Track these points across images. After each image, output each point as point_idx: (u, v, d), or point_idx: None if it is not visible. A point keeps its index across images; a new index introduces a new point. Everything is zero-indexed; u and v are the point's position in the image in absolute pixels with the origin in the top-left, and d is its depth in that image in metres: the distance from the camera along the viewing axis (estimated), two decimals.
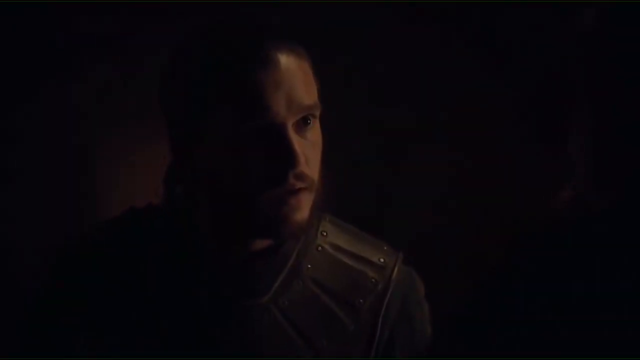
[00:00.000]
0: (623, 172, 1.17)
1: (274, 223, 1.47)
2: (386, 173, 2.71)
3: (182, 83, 1.49)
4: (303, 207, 1.47)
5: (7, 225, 2.59)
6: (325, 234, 1.60)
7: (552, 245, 1.16)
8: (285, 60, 1.45)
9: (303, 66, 1.48)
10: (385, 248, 1.61)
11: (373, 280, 1.58)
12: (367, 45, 2.66)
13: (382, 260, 1.59)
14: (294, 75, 1.46)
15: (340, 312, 1.55)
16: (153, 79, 1.56)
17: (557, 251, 1.15)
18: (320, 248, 1.58)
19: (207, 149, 1.48)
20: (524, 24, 2.61)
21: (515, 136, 2.62)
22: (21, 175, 2.60)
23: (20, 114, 2.59)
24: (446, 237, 2.67)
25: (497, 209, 2.62)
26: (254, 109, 1.44)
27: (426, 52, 2.66)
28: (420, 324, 1.59)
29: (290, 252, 1.56)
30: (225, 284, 1.53)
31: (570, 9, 1.24)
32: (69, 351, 1.53)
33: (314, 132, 1.49)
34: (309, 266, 1.56)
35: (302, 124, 1.47)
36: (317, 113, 1.49)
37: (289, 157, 1.43)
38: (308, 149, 1.47)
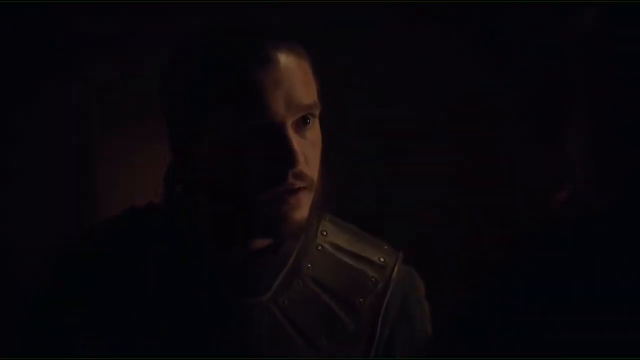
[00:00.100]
0: (623, 172, 1.17)
1: (274, 222, 1.47)
2: (386, 173, 2.72)
3: (182, 83, 1.49)
4: (302, 207, 1.47)
5: (7, 225, 2.59)
6: (325, 233, 1.60)
7: (552, 245, 1.16)
8: (285, 60, 1.46)
9: (303, 66, 1.48)
10: (385, 247, 1.61)
11: (373, 279, 1.58)
12: (367, 45, 2.66)
13: (382, 259, 1.59)
14: (294, 75, 1.46)
15: (340, 311, 1.55)
16: (153, 79, 1.56)
17: (557, 251, 1.15)
18: (320, 247, 1.58)
19: (207, 149, 1.48)
20: (524, 24, 2.61)
21: (515, 136, 2.62)
22: (21, 175, 2.60)
23: (20, 114, 2.59)
24: (446, 237, 2.67)
25: (497, 209, 2.62)
26: (253, 109, 1.44)
27: (426, 52, 2.66)
28: (421, 323, 1.59)
29: (290, 251, 1.56)
30: (225, 283, 1.53)
31: (570, 9, 1.24)
32: (69, 351, 1.53)
33: (314, 131, 1.49)
34: (309, 265, 1.56)
35: (302, 123, 1.47)
36: (317, 112, 1.49)
37: (288, 157, 1.44)
38: (307, 149, 1.47)
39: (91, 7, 2.56)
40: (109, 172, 2.64)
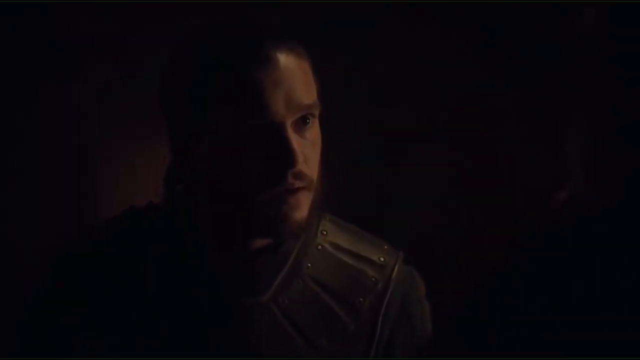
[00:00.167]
0: (623, 172, 1.17)
1: (274, 222, 1.47)
2: (386, 173, 2.72)
3: (182, 83, 1.49)
4: (302, 206, 1.47)
5: (7, 225, 2.59)
6: (325, 233, 1.60)
7: (552, 245, 1.16)
8: (285, 60, 1.46)
9: (302, 66, 1.48)
10: (385, 247, 1.61)
11: (373, 279, 1.58)
12: (367, 45, 2.66)
13: (382, 259, 1.59)
14: (294, 75, 1.46)
15: (340, 311, 1.55)
16: (153, 79, 1.56)
17: (557, 251, 1.15)
18: (320, 247, 1.58)
19: (207, 149, 1.48)
20: (524, 24, 2.61)
21: (515, 136, 2.63)
22: (21, 175, 2.60)
23: (20, 114, 2.59)
24: (446, 237, 2.67)
25: (497, 209, 2.62)
26: (253, 109, 1.44)
27: (426, 52, 2.66)
28: (421, 322, 1.59)
29: (290, 251, 1.56)
30: (225, 283, 1.53)
31: (570, 9, 1.24)
32: (69, 351, 1.53)
33: (313, 131, 1.49)
34: (309, 265, 1.56)
35: (301, 123, 1.47)
36: (317, 112, 1.49)
37: (287, 156, 1.44)
38: (307, 148, 1.47)
39: (91, 7, 2.56)
40: (109, 172, 2.64)
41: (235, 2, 1.97)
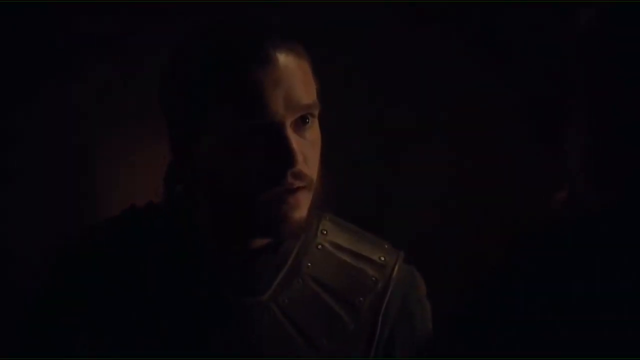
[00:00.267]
0: (623, 172, 1.17)
1: (274, 222, 1.47)
2: (386, 173, 2.72)
3: (182, 83, 1.49)
4: (302, 206, 1.47)
5: (7, 225, 2.59)
6: (325, 232, 1.60)
7: (552, 245, 1.16)
8: (284, 60, 1.46)
9: (302, 65, 1.48)
10: (385, 247, 1.61)
11: (373, 278, 1.58)
12: (367, 45, 2.66)
13: (382, 258, 1.59)
14: (293, 75, 1.46)
15: (341, 310, 1.55)
16: (153, 79, 1.56)
17: (557, 251, 1.15)
18: (320, 246, 1.58)
19: (206, 149, 1.48)
20: (524, 24, 2.61)
21: (515, 136, 2.63)
22: (21, 175, 2.60)
23: (20, 114, 2.59)
24: (446, 237, 2.67)
25: (497, 209, 2.62)
26: (253, 108, 1.44)
27: (426, 52, 2.66)
28: (421, 322, 1.59)
29: (290, 250, 1.56)
30: (225, 283, 1.53)
31: (570, 9, 1.24)
32: (69, 351, 1.53)
33: (313, 131, 1.49)
34: (309, 264, 1.56)
35: (301, 123, 1.47)
36: (316, 112, 1.49)
37: (287, 156, 1.44)
38: (307, 148, 1.47)
39: (91, 7, 2.56)
40: (109, 172, 2.64)
41: (235, 2, 1.97)
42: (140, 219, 1.59)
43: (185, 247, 1.55)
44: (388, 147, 2.71)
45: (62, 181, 2.61)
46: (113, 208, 1.68)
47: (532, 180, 2.40)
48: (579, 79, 1.20)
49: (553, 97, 1.24)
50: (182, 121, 1.50)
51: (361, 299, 1.56)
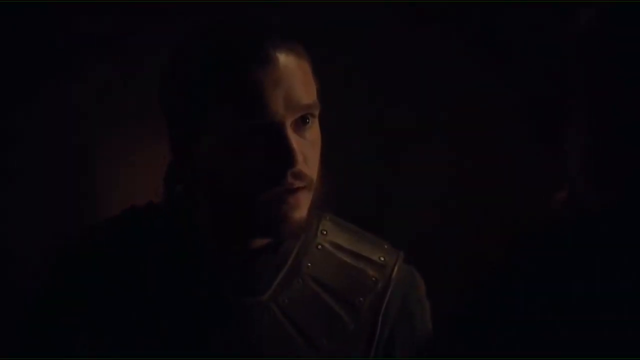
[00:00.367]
0: (623, 172, 1.17)
1: (274, 222, 1.47)
2: (386, 173, 2.72)
3: (182, 83, 1.49)
4: (302, 206, 1.47)
5: (7, 225, 2.59)
6: (325, 232, 1.60)
7: (552, 245, 1.16)
8: (285, 60, 1.46)
9: (302, 65, 1.48)
10: (385, 247, 1.61)
11: (373, 278, 1.58)
12: (367, 45, 2.66)
13: (382, 258, 1.59)
14: (293, 75, 1.46)
15: (341, 310, 1.55)
16: (153, 79, 1.56)
17: (557, 251, 1.15)
18: (320, 246, 1.58)
19: (206, 149, 1.48)
20: (524, 24, 2.61)
21: (515, 136, 2.63)
22: (21, 175, 2.60)
23: (20, 114, 2.59)
24: (446, 237, 2.67)
25: (497, 209, 2.62)
26: (253, 108, 1.44)
27: (426, 52, 2.66)
28: (421, 322, 1.59)
29: (290, 250, 1.56)
30: (225, 283, 1.53)
31: (570, 9, 1.24)
32: (69, 351, 1.53)
33: (313, 131, 1.49)
34: (309, 265, 1.56)
35: (301, 123, 1.47)
36: (316, 112, 1.49)
37: (287, 156, 1.44)
38: (307, 148, 1.47)
39: (91, 7, 2.56)
40: (109, 172, 2.64)
41: (235, 2, 1.97)
42: (140, 219, 1.59)
43: (185, 247, 1.55)
44: (388, 147, 2.71)
45: (62, 181, 2.61)
46: (113, 208, 1.68)
47: (532, 180, 2.40)
48: (579, 79, 1.20)
49: (553, 97, 1.24)
50: (182, 121, 1.50)
51: (361, 299, 1.56)
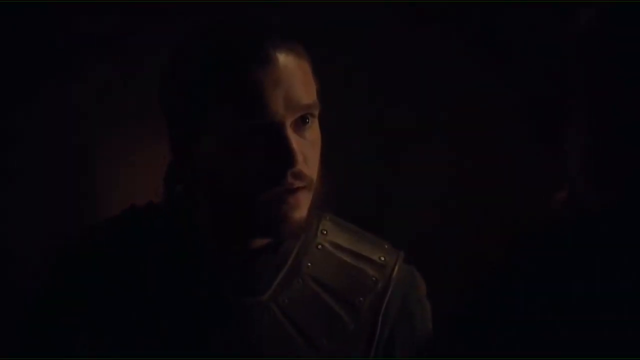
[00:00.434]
0: (623, 172, 1.17)
1: (273, 222, 1.47)
2: (386, 173, 2.72)
3: (182, 83, 1.49)
4: (302, 206, 1.47)
5: (7, 225, 2.59)
6: (325, 232, 1.60)
7: (552, 245, 1.16)
8: (284, 60, 1.46)
9: (302, 65, 1.48)
10: (386, 247, 1.61)
11: (373, 278, 1.58)
12: (367, 45, 2.66)
13: (382, 258, 1.59)
14: (293, 75, 1.46)
15: (341, 310, 1.55)
16: (153, 79, 1.56)
17: (557, 251, 1.15)
18: (320, 246, 1.58)
19: (206, 149, 1.48)
20: (524, 24, 2.61)
21: (515, 136, 2.63)
22: (21, 175, 2.60)
23: (20, 114, 2.59)
24: (446, 237, 2.67)
25: (497, 209, 2.62)
26: (252, 108, 1.44)
27: (426, 52, 2.66)
28: (421, 322, 1.59)
29: (290, 250, 1.56)
30: (225, 283, 1.53)
31: (570, 9, 1.24)
32: (69, 351, 1.53)
33: (313, 131, 1.49)
34: (309, 264, 1.56)
35: (301, 123, 1.47)
36: (316, 112, 1.49)
37: (287, 156, 1.44)
38: (307, 148, 1.47)
39: (91, 7, 2.56)
40: (109, 172, 2.64)
41: (235, 2, 1.97)
42: (140, 219, 1.59)
43: (185, 247, 1.55)
44: (388, 147, 2.71)
45: (62, 181, 2.61)
46: (113, 208, 1.68)
47: (532, 180, 2.40)
48: (579, 79, 1.20)
49: (553, 97, 1.24)
50: (182, 121, 1.50)
51: (361, 299, 1.56)
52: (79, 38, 2.57)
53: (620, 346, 1.09)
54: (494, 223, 2.60)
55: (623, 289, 1.11)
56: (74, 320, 1.54)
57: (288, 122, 1.45)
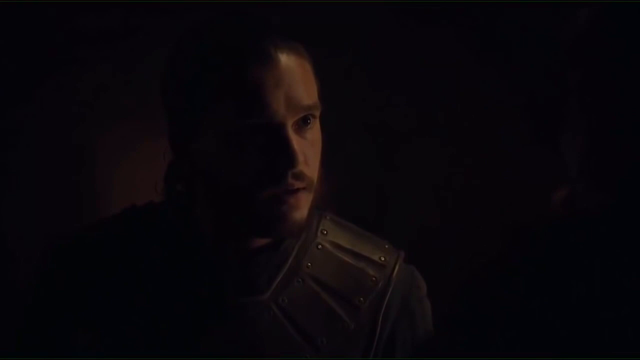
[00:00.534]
0: (622, 172, 1.17)
1: (273, 222, 1.47)
2: (386, 173, 2.72)
3: (183, 81, 1.49)
4: (302, 207, 1.47)
5: (7, 225, 2.59)
6: (325, 232, 1.60)
7: (551, 245, 1.16)
8: (286, 59, 1.45)
9: (303, 65, 1.48)
10: (386, 246, 1.61)
11: (374, 278, 1.57)
12: (367, 45, 2.66)
13: (382, 258, 1.59)
14: (294, 74, 1.46)
15: (341, 310, 1.55)
16: (153, 78, 1.56)
17: (557, 251, 1.15)
18: (320, 246, 1.58)
19: (206, 148, 1.48)
20: (524, 24, 2.61)
21: (515, 136, 2.63)
22: (21, 175, 2.60)
23: (20, 114, 2.59)
24: (446, 237, 2.67)
25: (496, 208, 2.62)
26: (253, 107, 1.43)
27: (426, 52, 2.66)
28: (421, 322, 1.59)
29: (290, 250, 1.56)
30: (225, 282, 1.53)
31: (570, 9, 1.24)
32: (68, 350, 1.53)
33: (314, 132, 1.49)
34: (309, 264, 1.56)
35: (302, 123, 1.47)
36: (317, 113, 1.49)
37: (288, 157, 1.43)
38: (307, 149, 1.47)
39: (91, 6, 2.56)
40: (109, 172, 2.64)
41: (235, 1, 1.97)
42: (140, 218, 1.59)
43: (185, 246, 1.55)
44: (388, 147, 2.71)
45: (62, 181, 2.61)
46: (113, 207, 1.68)
47: (532, 180, 2.40)
48: (577, 79, 1.20)
49: (553, 97, 1.24)
50: (182, 120, 1.50)
51: (361, 298, 1.56)
52: (79, 37, 2.57)
53: (620, 346, 1.09)
54: (493, 223, 2.60)
55: (622, 289, 1.11)
56: (72, 319, 1.53)
57: (289, 123, 1.45)
